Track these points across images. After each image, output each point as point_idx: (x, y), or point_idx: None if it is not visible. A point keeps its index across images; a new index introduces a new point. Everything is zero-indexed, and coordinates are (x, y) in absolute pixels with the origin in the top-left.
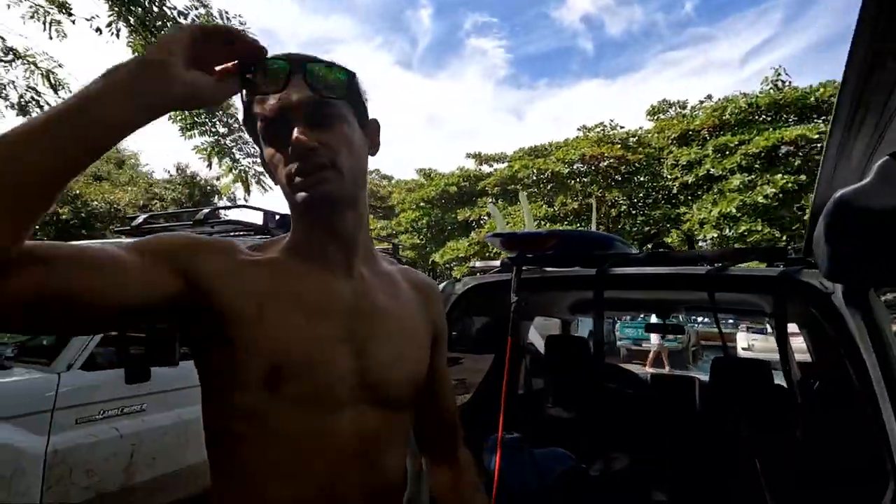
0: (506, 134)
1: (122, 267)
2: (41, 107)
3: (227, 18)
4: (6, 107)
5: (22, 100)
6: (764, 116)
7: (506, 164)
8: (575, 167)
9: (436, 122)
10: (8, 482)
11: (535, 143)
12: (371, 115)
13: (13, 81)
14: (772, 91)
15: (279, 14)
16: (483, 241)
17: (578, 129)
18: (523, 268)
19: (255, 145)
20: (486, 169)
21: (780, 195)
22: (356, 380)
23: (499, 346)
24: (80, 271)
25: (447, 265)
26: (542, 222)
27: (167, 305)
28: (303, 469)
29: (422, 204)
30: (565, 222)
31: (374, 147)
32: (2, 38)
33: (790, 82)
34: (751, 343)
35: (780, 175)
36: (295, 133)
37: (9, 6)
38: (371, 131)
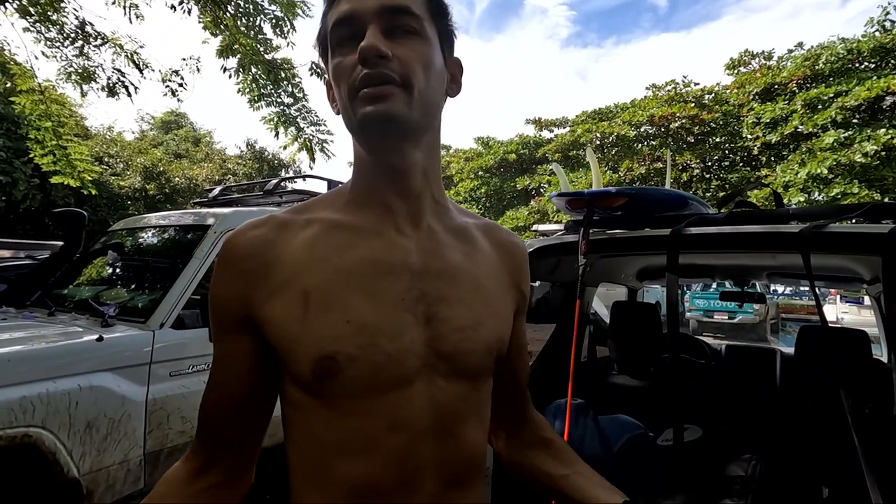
0: (568, 97)
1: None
2: (126, 87)
3: None
4: (98, 89)
5: (110, 81)
6: (866, 64)
7: (568, 129)
8: (642, 129)
9: (494, 88)
10: (118, 425)
11: (600, 106)
12: None
13: (101, 65)
14: (877, 34)
15: None
16: (542, 209)
17: (647, 89)
18: (590, 230)
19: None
20: (546, 135)
21: (883, 153)
22: (427, 350)
23: (562, 313)
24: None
25: None
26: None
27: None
28: (372, 447)
29: (480, 173)
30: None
31: (455, 85)
32: (90, 23)
33: None
34: (840, 315)
35: (883, 130)
36: (367, 36)
37: None
38: (454, 67)
